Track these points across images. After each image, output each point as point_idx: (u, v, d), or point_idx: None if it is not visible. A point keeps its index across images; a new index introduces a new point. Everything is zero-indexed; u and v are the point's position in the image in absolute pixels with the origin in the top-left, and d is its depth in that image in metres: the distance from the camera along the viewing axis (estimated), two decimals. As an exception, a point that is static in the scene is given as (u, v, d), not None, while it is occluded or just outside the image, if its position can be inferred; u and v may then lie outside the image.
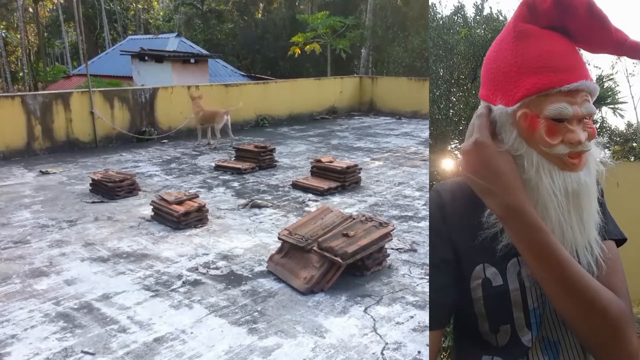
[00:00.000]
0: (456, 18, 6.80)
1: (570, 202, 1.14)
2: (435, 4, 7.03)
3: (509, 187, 1.07)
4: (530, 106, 1.11)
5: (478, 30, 6.42)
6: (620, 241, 1.27)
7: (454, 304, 1.25)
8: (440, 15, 6.68)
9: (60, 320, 3.17)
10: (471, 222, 1.19)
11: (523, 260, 1.12)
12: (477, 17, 6.77)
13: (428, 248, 1.32)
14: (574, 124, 1.10)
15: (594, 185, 1.18)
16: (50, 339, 2.95)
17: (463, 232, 1.21)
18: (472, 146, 1.10)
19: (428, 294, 1.31)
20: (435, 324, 1.23)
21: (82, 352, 2.82)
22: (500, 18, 6.68)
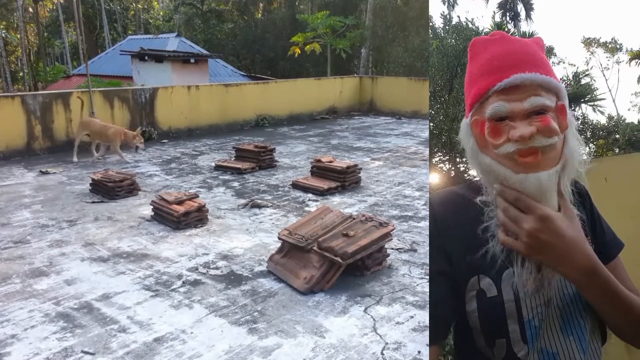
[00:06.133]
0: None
1: None
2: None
3: (584, 250, 1.05)
4: (478, 113, 1.14)
5: (449, 41, 6.40)
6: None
7: (451, 318, 1.24)
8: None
9: (60, 320, 3.17)
10: (464, 233, 1.18)
11: (518, 272, 1.12)
12: (447, 27, 6.78)
13: (428, 252, 1.31)
14: (516, 120, 1.07)
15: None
16: (50, 339, 2.95)
17: (456, 243, 1.20)
18: (539, 224, 1.02)
19: (428, 299, 1.31)
20: (432, 338, 1.23)
21: (82, 352, 2.82)
22: (470, 26, 6.66)
